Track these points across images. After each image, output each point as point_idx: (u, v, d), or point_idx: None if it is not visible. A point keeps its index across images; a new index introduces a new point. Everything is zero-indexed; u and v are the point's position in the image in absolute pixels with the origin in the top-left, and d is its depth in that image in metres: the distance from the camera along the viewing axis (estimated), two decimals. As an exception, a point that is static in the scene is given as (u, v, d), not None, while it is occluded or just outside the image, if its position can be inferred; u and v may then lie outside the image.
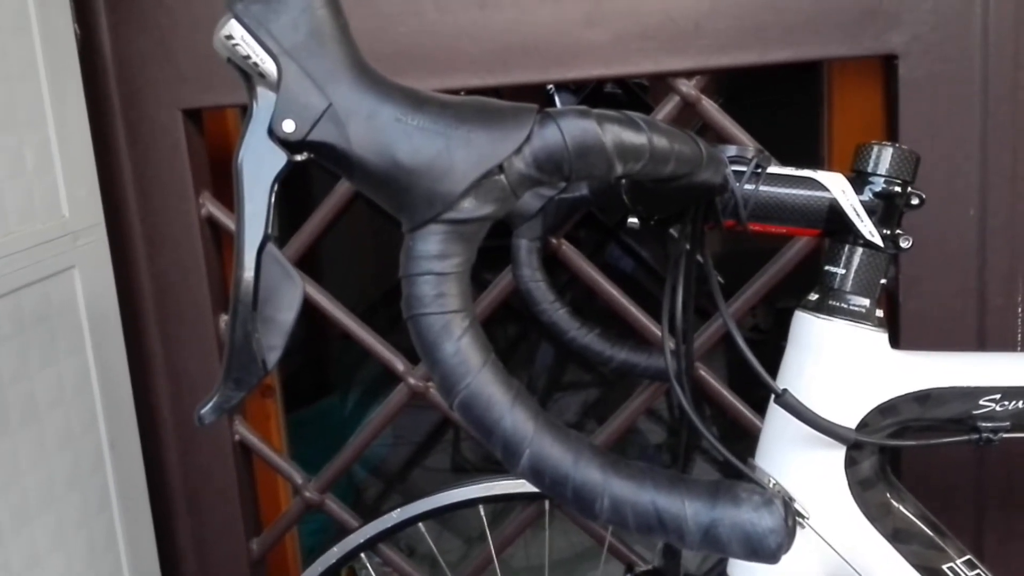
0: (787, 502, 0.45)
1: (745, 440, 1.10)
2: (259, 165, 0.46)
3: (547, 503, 1.12)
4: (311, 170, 0.50)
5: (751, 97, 1.59)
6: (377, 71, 0.47)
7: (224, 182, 1.27)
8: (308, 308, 1.11)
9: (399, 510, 1.08)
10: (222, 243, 1.19)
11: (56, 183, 1.01)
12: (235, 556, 1.22)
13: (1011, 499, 1.02)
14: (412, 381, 1.13)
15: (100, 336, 1.07)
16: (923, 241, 0.94)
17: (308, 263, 2.23)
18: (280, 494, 1.42)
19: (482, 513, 1.11)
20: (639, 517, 0.44)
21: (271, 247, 0.46)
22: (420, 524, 1.10)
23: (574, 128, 0.45)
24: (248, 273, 0.46)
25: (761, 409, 1.13)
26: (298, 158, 0.46)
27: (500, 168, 0.45)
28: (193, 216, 1.13)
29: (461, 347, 0.44)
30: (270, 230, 0.46)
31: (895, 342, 0.97)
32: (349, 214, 1.25)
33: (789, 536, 0.45)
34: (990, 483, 1.01)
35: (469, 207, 0.45)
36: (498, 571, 1.18)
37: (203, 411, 0.47)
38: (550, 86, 1.55)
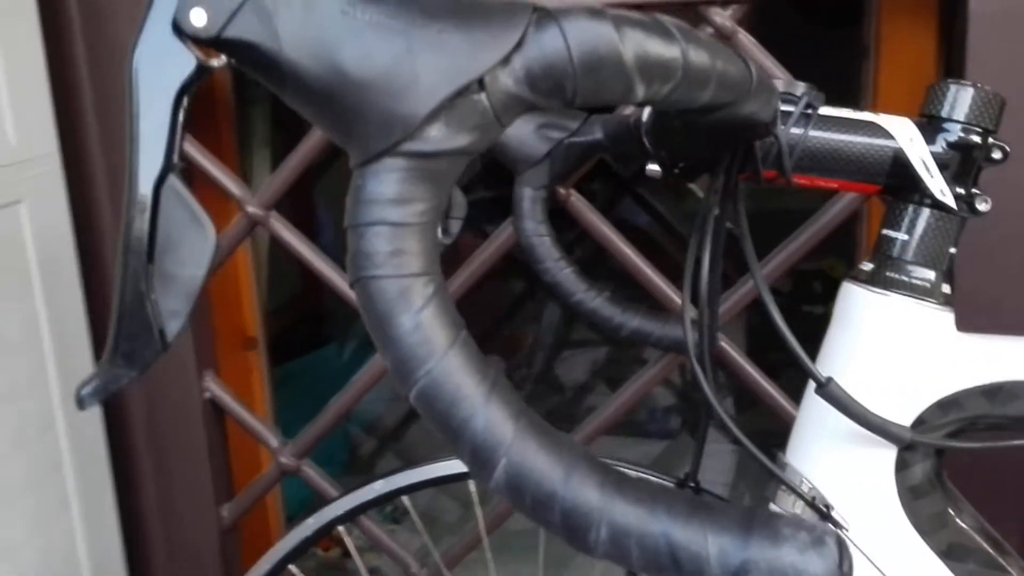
0: (842, 541, 0.34)
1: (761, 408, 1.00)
2: (160, 70, 0.35)
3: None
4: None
5: (786, 37, 1.46)
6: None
7: (196, 108, 1.15)
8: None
9: (382, 481, 0.99)
10: (193, 178, 1.08)
11: (0, 106, 0.90)
12: (205, 523, 1.13)
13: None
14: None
15: (52, 278, 0.96)
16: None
17: (299, 212, 2.13)
18: (262, 454, 1.33)
19: (472, 489, 1.01)
20: (647, 553, 0.34)
21: (174, 181, 0.35)
22: (405, 497, 1.01)
23: (583, 33, 0.33)
24: (142, 214, 0.35)
25: (780, 375, 1.03)
26: (214, 63, 0.35)
27: (480, 84, 0.33)
28: (162, 148, 1.02)
29: (422, 321, 0.33)
30: (174, 158, 0.35)
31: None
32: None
33: None
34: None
35: (437, 136, 0.33)
36: (488, 548, 1.09)
37: (84, 392, 0.36)
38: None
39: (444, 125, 0.33)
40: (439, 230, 0.68)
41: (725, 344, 0.96)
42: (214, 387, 1.10)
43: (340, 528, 1.00)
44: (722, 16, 0.85)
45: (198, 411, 1.10)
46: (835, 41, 1.38)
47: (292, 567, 1.00)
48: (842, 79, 1.14)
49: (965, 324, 0.55)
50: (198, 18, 0.34)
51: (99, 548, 1.07)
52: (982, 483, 0.88)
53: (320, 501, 1.03)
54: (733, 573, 0.34)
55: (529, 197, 0.87)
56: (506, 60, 0.33)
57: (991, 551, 0.60)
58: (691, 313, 0.61)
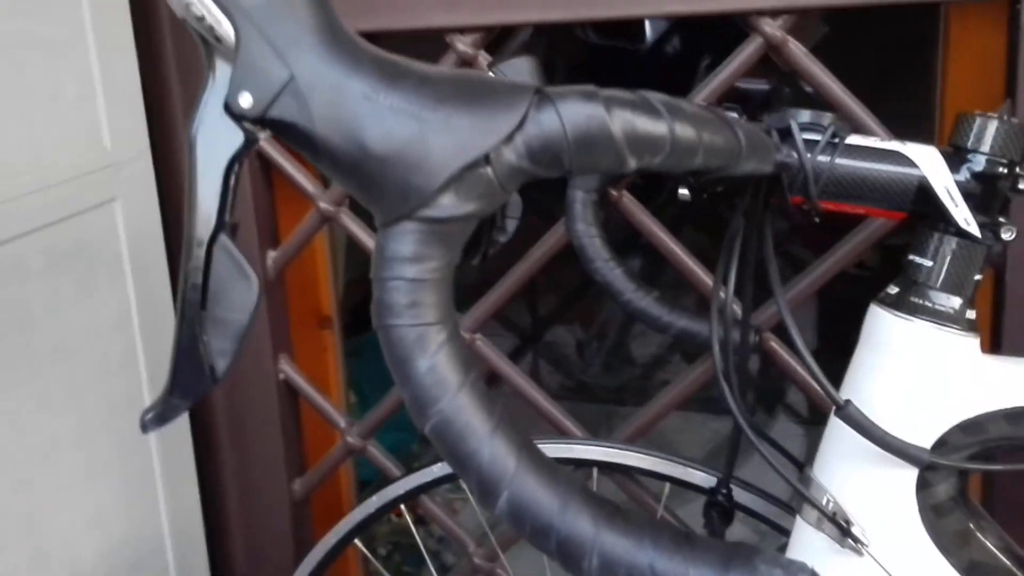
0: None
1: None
2: (214, 143, 0.39)
3: (595, 470, 1.05)
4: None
5: (861, 30, 1.44)
6: (354, 37, 0.39)
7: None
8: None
9: (440, 464, 1.03)
10: (272, 181, 1.14)
11: (97, 112, 0.98)
12: (278, 496, 1.21)
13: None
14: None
15: (142, 270, 1.04)
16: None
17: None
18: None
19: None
20: None
21: (224, 239, 0.40)
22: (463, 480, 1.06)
23: (576, 114, 0.37)
24: (197, 267, 0.40)
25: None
26: (261, 136, 0.40)
27: (486, 159, 0.37)
28: (243, 147, 1.08)
29: (436, 364, 0.38)
30: (226, 218, 0.40)
31: (997, 340, 0.86)
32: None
33: None
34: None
35: (448, 204, 0.37)
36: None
37: (148, 418, 0.42)
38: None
39: (454, 194, 0.37)
40: (496, 231, 0.73)
41: (774, 343, 0.98)
42: (288, 369, 1.17)
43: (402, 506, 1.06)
44: (772, 26, 0.86)
45: (273, 391, 1.16)
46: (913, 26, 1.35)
47: (357, 541, 1.06)
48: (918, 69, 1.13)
49: (1020, 347, 0.56)
50: (245, 101, 0.38)
51: (180, 518, 1.15)
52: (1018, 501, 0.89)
53: (385, 479, 1.09)
54: None
55: (580, 200, 0.90)
56: (509, 138, 0.37)
57: (1015, 569, 0.61)
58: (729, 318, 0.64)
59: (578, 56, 2.15)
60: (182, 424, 1.15)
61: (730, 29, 1.41)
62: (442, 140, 0.37)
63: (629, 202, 0.98)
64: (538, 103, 0.37)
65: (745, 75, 0.91)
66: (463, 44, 0.99)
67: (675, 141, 0.39)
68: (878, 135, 0.81)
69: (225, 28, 0.38)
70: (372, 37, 1.08)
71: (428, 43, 0.99)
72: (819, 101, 0.89)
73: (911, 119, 0.86)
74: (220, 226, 0.40)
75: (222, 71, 0.39)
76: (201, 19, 0.38)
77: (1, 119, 0.88)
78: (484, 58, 0.99)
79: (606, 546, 0.38)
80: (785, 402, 2.17)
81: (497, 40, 1.01)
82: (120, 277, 1.02)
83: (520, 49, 0.99)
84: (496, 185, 0.38)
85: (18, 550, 0.92)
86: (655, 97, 0.39)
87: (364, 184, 0.38)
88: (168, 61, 1.09)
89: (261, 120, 0.39)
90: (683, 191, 0.65)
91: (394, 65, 0.38)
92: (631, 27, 1.94)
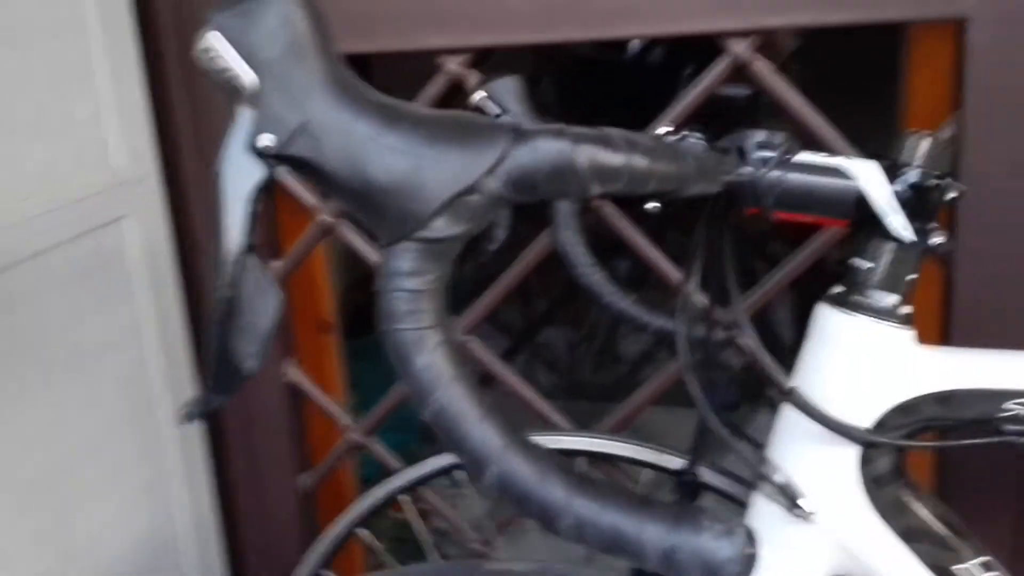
0: (750, 532, 0.46)
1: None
2: (238, 177, 0.46)
3: (583, 460, 1.13)
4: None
5: (833, 40, 1.51)
6: (358, 83, 0.46)
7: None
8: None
9: (437, 457, 1.10)
10: (274, 195, 1.20)
11: (106, 134, 1.03)
12: (285, 491, 1.27)
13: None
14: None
15: (154, 283, 1.10)
16: (986, 217, 0.88)
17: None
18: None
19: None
20: (600, 537, 0.46)
21: (250, 257, 0.47)
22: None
23: (548, 149, 0.45)
24: (226, 282, 0.47)
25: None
26: (279, 170, 0.47)
27: (472, 188, 0.44)
28: (249, 163, 1.14)
29: (433, 361, 0.45)
30: (250, 240, 0.47)
31: (947, 332, 0.93)
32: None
33: (746, 566, 0.45)
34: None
35: (441, 226, 0.45)
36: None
37: (190, 411, 0.49)
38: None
39: (446, 218, 0.45)
40: (486, 241, 0.80)
41: (749, 338, 1.04)
42: (292, 372, 1.23)
43: (403, 497, 1.12)
44: (740, 47, 0.93)
45: (279, 393, 1.23)
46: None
47: (361, 530, 1.12)
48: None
49: (968, 337, 0.61)
50: (265, 140, 0.45)
51: (197, 513, 1.22)
52: (975, 480, 0.96)
53: (386, 473, 1.16)
54: (664, 553, 0.45)
55: (564, 211, 0.97)
56: (491, 170, 0.44)
57: (947, 533, 0.68)
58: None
59: (565, 66, 2.21)
60: (196, 427, 1.22)
61: (708, 41, 1.48)
62: (435, 173, 0.44)
63: (611, 211, 1.05)
64: (515, 140, 0.45)
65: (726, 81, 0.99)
66: (453, 64, 1.05)
67: (632, 171, 0.46)
68: (836, 150, 0.89)
69: (247, 78, 0.44)
70: (365, 57, 1.14)
71: (420, 61, 1.06)
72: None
73: (883, 129, 0.93)
74: (246, 247, 0.47)
75: (244, 115, 0.45)
76: (224, 71, 0.45)
77: (16, 144, 0.93)
78: (474, 77, 1.05)
79: (577, 510, 0.45)
80: (768, 394, 2.24)
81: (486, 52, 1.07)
82: (132, 291, 1.08)
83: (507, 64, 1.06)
84: (481, 210, 0.45)
85: (46, 553, 0.98)
86: (615, 133, 0.47)
87: (369, 210, 0.45)
88: (174, 83, 1.14)
89: (279, 157, 0.45)
90: (652, 205, 0.73)
91: (393, 109, 0.46)
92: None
